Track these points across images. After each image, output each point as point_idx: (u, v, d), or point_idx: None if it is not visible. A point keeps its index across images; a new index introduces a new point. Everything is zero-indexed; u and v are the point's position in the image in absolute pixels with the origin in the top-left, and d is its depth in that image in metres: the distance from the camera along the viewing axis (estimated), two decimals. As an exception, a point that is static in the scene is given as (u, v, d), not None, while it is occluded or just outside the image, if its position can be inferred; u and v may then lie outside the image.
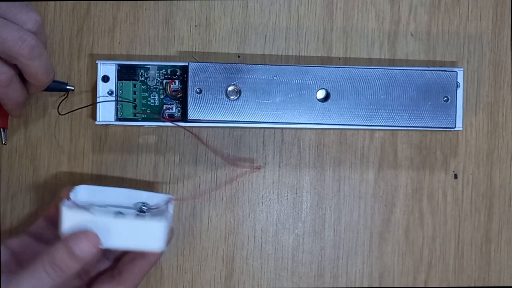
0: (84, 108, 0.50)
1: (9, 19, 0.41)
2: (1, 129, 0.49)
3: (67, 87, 0.49)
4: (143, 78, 0.49)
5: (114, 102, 0.48)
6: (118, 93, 0.48)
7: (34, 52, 0.42)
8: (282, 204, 0.51)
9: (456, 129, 0.48)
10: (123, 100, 0.48)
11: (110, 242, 0.41)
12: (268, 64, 0.47)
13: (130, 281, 0.44)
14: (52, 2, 0.50)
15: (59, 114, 0.49)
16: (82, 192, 0.45)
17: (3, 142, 0.49)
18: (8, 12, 0.41)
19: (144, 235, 0.42)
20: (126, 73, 0.48)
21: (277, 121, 0.47)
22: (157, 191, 0.50)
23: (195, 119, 0.47)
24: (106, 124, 0.49)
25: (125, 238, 0.42)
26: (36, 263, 0.39)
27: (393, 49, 0.51)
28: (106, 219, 0.41)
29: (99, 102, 0.48)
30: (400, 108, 0.47)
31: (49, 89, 0.47)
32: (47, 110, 0.50)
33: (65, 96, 0.49)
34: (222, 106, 0.47)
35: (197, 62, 0.48)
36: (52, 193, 0.50)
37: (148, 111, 0.48)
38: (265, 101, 0.47)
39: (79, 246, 0.39)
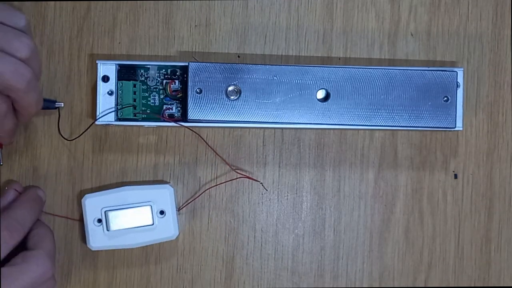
0: (84, 109, 0.50)
1: (3, 46, 0.41)
2: None
3: (56, 104, 0.48)
4: (143, 78, 0.49)
5: (114, 101, 0.48)
6: (118, 93, 0.48)
7: (31, 85, 0.42)
8: (282, 204, 0.51)
9: (456, 129, 0.48)
10: (124, 106, 0.48)
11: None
12: (268, 64, 0.47)
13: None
14: (52, 2, 0.50)
15: (66, 140, 0.49)
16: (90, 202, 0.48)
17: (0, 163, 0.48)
18: (2, 40, 0.41)
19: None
20: (126, 73, 0.48)
21: (277, 121, 0.47)
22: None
23: (195, 119, 0.47)
24: (106, 124, 0.49)
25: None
26: None
27: (393, 49, 0.51)
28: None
29: (99, 118, 0.48)
30: (400, 108, 0.47)
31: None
32: (47, 111, 0.50)
33: (58, 116, 0.49)
34: (222, 106, 0.47)
35: (197, 62, 0.48)
36: (52, 193, 0.50)
37: (148, 111, 0.48)
38: (265, 101, 0.47)
39: None
